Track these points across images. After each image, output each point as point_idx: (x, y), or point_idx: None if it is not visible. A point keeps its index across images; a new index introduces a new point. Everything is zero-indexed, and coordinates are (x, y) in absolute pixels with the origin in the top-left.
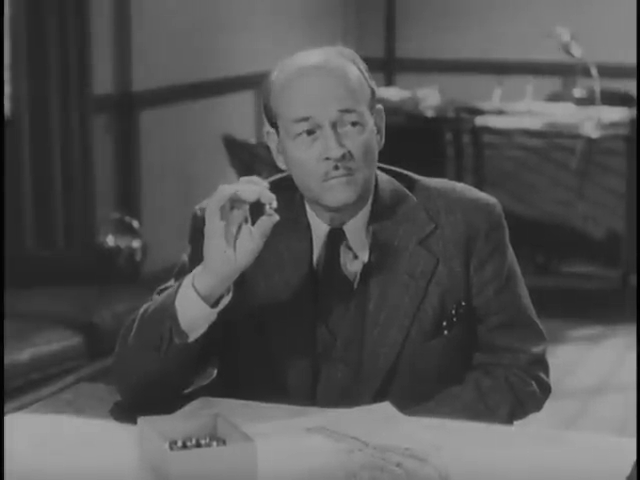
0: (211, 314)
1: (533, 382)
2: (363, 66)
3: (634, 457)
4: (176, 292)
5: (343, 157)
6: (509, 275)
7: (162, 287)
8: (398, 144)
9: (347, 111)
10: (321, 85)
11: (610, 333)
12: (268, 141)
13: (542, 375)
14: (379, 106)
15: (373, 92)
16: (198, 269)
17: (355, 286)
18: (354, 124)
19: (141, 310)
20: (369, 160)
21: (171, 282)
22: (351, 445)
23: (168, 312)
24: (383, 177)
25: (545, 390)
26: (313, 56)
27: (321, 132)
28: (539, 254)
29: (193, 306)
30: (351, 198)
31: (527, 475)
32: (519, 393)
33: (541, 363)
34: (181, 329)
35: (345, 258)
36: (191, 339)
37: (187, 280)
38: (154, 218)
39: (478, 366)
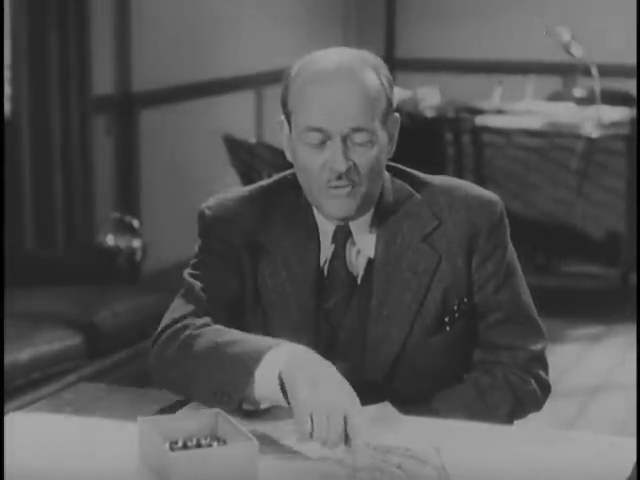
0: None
1: (532, 380)
2: (385, 74)
3: (634, 457)
4: (258, 361)
5: (348, 170)
6: (509, 272)
7: (190, 271)
8: (398, 144)
9: (359, 130)
10: (337, 97)
11: (610, 333)
12: (280, 129)
13: (541, 373)
14: (396, 114)
15: (390, 103)
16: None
17: (359, 282)
18: (364, 142)
19: (205, 341)
20: (375, 174)
21: (194, 268)
22: (351, 445)
23: (244, 379)
24: (387, 175)
25: (545, 389)
26: (335, 60)
27: (331, 143)
28: (539, 254)
29: (271, 391)
30: (351, 211)
31: (527, 475)
32: (518, 392)
33: (540, 361)
34: (253, 399)
35: (350, 254)
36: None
37: (273, 360)
38: (154, 218)
39: (478, 364)
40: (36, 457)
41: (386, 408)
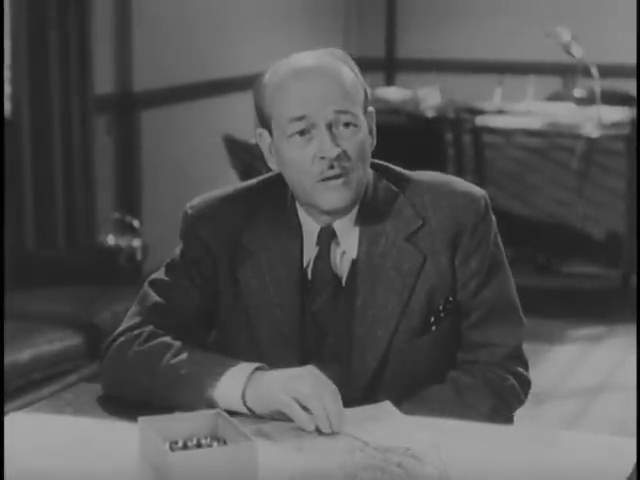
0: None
1: (511, 377)
2: (356, 68)
3: (634, 457)
4: (213, 382)
5: (338, 157)
6: (494, 268)
7: (153, 278)
8: (398, 144)
9: (343, 112)
10: (317, 86)
11: (610, 333)
12: (260, 142)
13: (520, 370)
14: (370, 108)
15: (366, 94)
16: (257, 381)
17: (344, 283)
18: (349, 125)
19: (156, 349)
20: (363, 162)
21: (162, 273)
22: (351, 445)
23: (204, 398)
24: (371, 173)
25: (524, 384)
26: (307, 58)
27: (316, 132)
28: (540, 254)
29: (232, 405)
30: (346, 201)
31: (527, 475)
32: (497, 388)
33: (518, 358)
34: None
35: (335, 255)
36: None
37: (233, 385)
38: (154, 218)
39: (460, 364)
40: (36, 457)
41: (386, 407)
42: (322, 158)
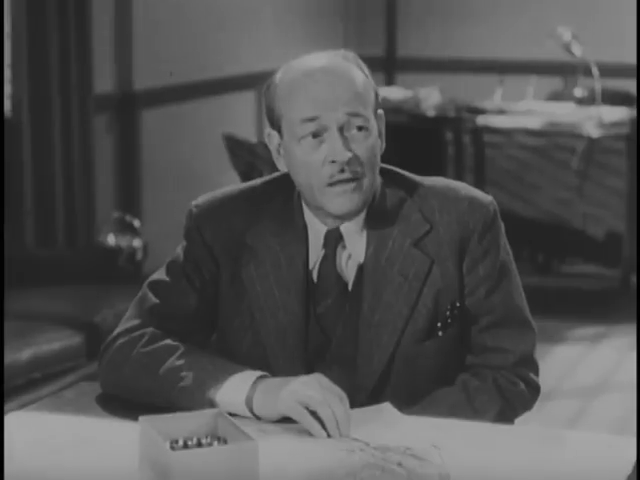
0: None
1: (521, 383)
2: (367, 70)
3: (634, 457)
4: (218, 386)
5: (350, 161)
6: (502, 274)
7: (152, 279)
8: (399, 144)
9: (355, 115)
10: (329, 87)
11: (610, 333)
12: (269, 143)
13: (531, 375)
14: (380, 111)
15: (377, 96)
16: (263, 393)
17: (350, 287)
18: (361, 128)
19: (159, 354)
20: (373, 165)
21: (162, 273)
22: (352, 445)
23: (205, 400)
24: (379, 177)
25: (534, 390)
26: (319, 59)
27: (328, 135)
28: (539, 254)
29: (236, 410)
30: (357, 205)
31: (527, 475)
32: (507, 394)
33: (530, 363)
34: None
35: (341, 259)
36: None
37: (236, 392)
38: (155, 217)
39: (469, 367)
40: (36, 457)
41: (387, 408)
42: (333, 162)
